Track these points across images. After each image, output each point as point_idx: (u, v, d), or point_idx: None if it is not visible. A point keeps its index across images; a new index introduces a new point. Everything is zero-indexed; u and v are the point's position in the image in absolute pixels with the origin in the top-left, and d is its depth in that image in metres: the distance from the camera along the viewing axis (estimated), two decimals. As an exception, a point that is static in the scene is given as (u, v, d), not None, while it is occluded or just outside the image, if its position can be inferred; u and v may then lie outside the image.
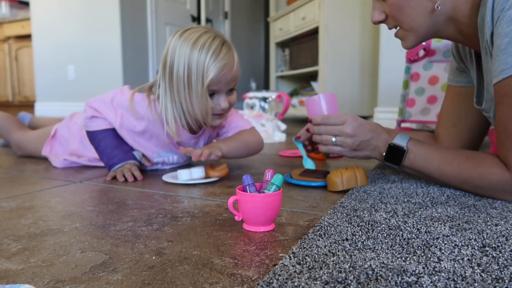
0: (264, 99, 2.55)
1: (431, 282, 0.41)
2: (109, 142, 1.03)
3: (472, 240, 0.53)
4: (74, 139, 1.19)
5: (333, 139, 0.83)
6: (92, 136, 1.05)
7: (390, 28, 0.83)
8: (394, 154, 0.81)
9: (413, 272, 0.43)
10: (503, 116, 0.67)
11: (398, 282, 0.41)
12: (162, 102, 0.98)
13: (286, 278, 0.42)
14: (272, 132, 1.92)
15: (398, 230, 0.57)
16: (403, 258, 0.47)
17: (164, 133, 1.01)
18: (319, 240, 0.53)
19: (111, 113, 1.02)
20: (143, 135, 1.05)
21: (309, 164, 0.98)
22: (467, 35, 0.78)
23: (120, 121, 1.01)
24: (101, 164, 1.14)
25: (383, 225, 0.59)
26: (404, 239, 0.54)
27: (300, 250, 0.50)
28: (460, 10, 0.75)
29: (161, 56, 1.01)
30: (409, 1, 0.75)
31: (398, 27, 0.81)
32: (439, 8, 0.74)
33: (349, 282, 0.41)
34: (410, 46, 0.82)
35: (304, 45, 3.26)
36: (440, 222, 0.60)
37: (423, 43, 1.46)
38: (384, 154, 0.82)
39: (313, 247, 0.51)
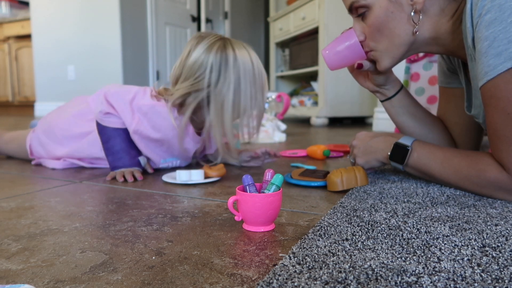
0: (264, 99, 2.54)
1: (431, 282, 0.41)
2: (118, 143, 1.01)
3: (472, 240, 0.53)
4: (55, 146, 1.15)
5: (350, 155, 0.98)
6: (103, 130, 1.03)
7: (365, 51, 0.81)
8: (399, 153, 0.82)
9: (413, 272, 0.43)
10: (492, 118, 0.68)
11: (398, 282, 0.41)
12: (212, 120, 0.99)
13: (286, 278, 0.42)
14: (272, 132, 1.92)
15: (398, 230, 0.57)
16: (403, 258, 0.47)
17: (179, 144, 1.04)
18: (319, 240, 0.53)
19: (128, 115, 0.99)
20: (156, 141, 1.04)
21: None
22: (452, 49, 0.78)
23: (135, 126, 0.99)
24: (101, 165, 1.14)
25: (383, 225, 0.59)
26: (404, 239, 0.54)
27: (300, 250, 0.50)
28: (441, 29, 0.75)
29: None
30: (388, 22, 0.74)
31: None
32: (417, 33, 0.74)
33: (349, 282, 0.41)
34: (385, 68, 0.81)
35: (304, 45, 3.26)
36: (440, 222, 0.60)
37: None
38: (389, 153, 0.84)
39: (313, 247, 0.51)
